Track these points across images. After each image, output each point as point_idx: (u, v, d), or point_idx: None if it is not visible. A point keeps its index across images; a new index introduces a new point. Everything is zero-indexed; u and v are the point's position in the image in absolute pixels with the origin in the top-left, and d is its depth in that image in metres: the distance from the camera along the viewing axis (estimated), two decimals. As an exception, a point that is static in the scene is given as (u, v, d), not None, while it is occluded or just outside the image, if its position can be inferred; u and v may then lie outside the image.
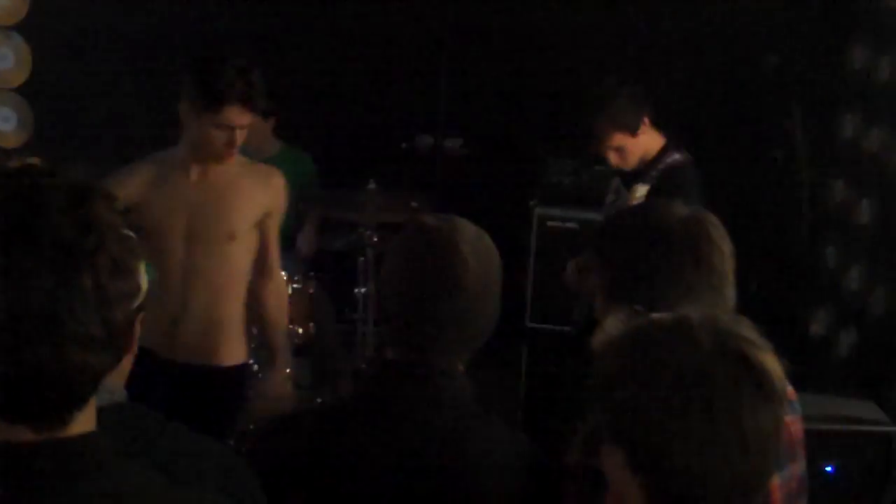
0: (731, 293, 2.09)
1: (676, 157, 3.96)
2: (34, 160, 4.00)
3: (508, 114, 5.73)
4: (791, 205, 4.88)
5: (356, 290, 5.01)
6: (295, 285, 4.58)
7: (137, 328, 1.42)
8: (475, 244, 2.04)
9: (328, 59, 5.88)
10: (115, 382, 1.73)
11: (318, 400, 5.09)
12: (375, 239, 4.84)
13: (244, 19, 5.95)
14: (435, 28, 5.68)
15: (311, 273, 4.77)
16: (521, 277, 5.08)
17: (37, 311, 1.25)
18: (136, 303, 1.36)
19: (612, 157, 3.98)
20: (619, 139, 3.92)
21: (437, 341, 1.98)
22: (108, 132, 5.96)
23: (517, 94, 5.71)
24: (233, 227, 3.43)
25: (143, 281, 1.39)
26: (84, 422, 1.35)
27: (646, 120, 3.94)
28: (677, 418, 1.46)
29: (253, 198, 3.45)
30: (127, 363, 1.63)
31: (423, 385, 1.98)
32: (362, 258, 4.94)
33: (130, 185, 3.38)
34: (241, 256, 3.49)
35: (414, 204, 4.97)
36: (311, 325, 4.64)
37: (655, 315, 1.57)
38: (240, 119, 3.27)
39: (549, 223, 5.04)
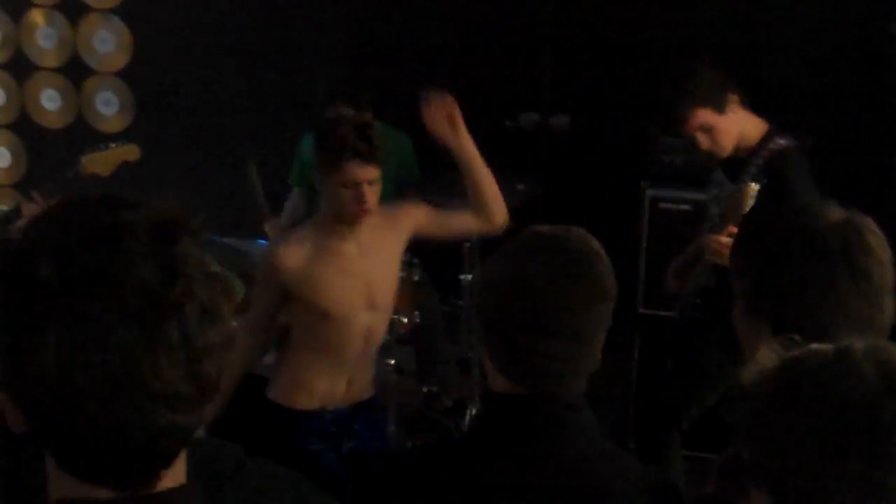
0: (890, 309, 1.85)
1: (781, 142, 3.68)
2: (132, 148, 3.91)
3: (617, 89, 5.49)
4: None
5: (461, 277, 4.88)
6: (399, 273, 4.44)
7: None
8: (602, 254, 1.86)
9: (427, 35, 5.72)
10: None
11: (424, 389, 4.99)
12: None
13: (341, 2, 5.82)
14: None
15: (415, 260, 4.63)
16: (632, 262, 4.87)
17: (118, 368, 1.11)
18: (228, 352, 1.21)
19: (701, 140, 3.72)
20: (704, 116, 3.67)
21: (564, 367, 1.81)
22: (207, 116, 5.91)
23: (626, 68, 5.46)
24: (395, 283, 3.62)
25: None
26: (173, 476, 1.22)
27: (734, 98, 3.69)
28: (835, 460, 1.29)
29: (397, 244, 3.55)
30: None
31: (548, 423, 1.80)
32: (467, 244, 4.79)
33: (294, 258, 3.38)
34: None
35: (521, 186, 4.80)
36: (416, 312, 4.51)
37: (814, 346, 1.38)
38: (363, 174, 3.24)
39: (662, 205, 4.81)
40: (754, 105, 3.80)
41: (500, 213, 3.62)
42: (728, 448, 2.00)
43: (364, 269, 3.43)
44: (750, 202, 3.37)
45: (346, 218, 3.33)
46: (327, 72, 5.29)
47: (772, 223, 2.05)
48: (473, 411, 4.76)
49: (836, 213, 1.92)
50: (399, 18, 5.71)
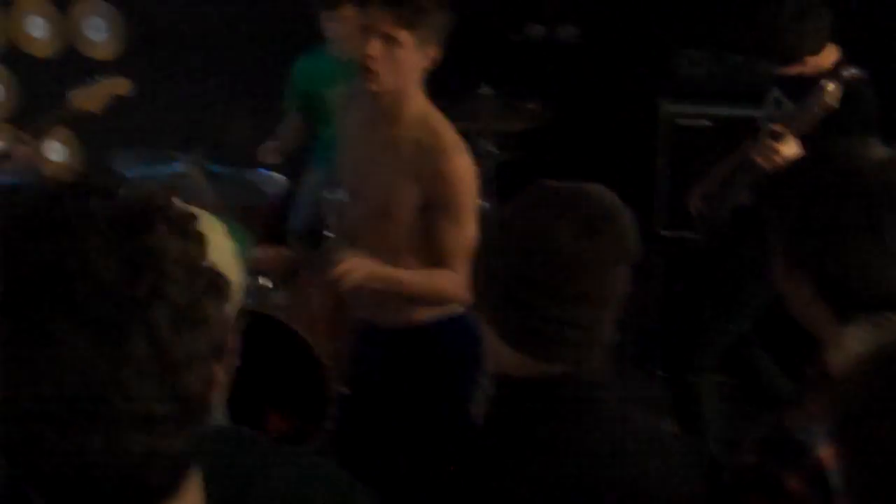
0: None
1: (853, 71, 3.47)
2: (122, 81, 3.69)
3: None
4: None
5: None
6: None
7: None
8: (624, 211, 1.69)
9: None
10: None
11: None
12: (494, 150, 4.51)
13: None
14: None
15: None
16: (649, 182, 4.71)
17: (75, 386, 0.92)
18: (219, 357, 1.02)
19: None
20: (808, 62, 3.53)
21: (584, 336, 1.65)
22: (200, 47, 5.68)
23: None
24: None
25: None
26: (184, 497, 1.05)
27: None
28: None
29: (409, 172, 2.99)
30: (222, 375, 1.35)
31: (573, 407, 1.65)
32: (481, 169, 4.62)
33: None
34: None
35: (531, 105, 4.62)
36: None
37: None
38: (378, 18, 2.80)
39: (679, 120, 4.62)
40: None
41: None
42: (766, 415, 1.87)
43: (360, 154, 3.00)
44: (827, 104, 3.23)
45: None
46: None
47: (808, 168, 1.91)
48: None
49: (878, 151, 1.77)
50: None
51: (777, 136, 3.29)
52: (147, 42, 5.74)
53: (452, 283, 2.83)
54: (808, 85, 3.48)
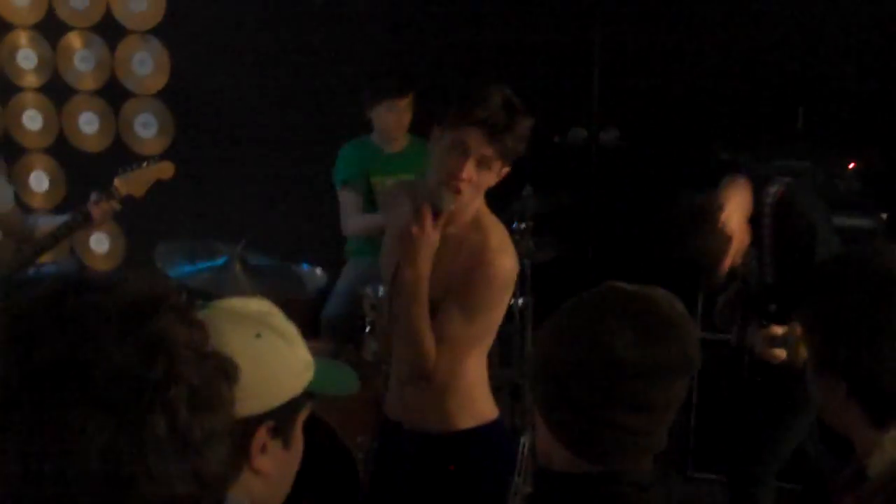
0: None
1: (772, 190, 3.53)
2: (166, 165, 3.72)
3: (668, 104, 5.31)
4: None
5: (512, 301, 4.70)
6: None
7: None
8: (689, 319, 1.69)
9: (474, 50, 5.56)
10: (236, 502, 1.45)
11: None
12: (533, 246, 4.53)
13: (385, 21, 5.67)
14: (584, 8, 5.31)
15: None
16: (689, 285, 4.67)
17: (98, 472, 0.93)
18: (231, 438, 1.04)
19: None
20: None
21: (640, 442, 1.63)
22: (246, 136, 5.79)
23: (677, 82, 5.28)
24: None
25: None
26: None
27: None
28: None
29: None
30: (257, 483, 1.35)
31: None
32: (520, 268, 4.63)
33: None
34: None
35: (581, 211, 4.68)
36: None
37: None
38: (478, 144, 2.81)
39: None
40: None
41: (414, 363, 2.91)
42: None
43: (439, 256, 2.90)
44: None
45: (439, 182, 2.85)
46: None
47: (834, 270, 1.89)
48: (524, 440, 4.59)
49: None
50: (445, 33, 5.56)
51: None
52: (193, 134, 5.85)
53: (430, 354, 2.84)
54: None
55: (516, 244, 4.52)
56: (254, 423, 1.42)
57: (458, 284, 2.86)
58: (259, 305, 1.64)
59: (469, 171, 2.80)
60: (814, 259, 3.42)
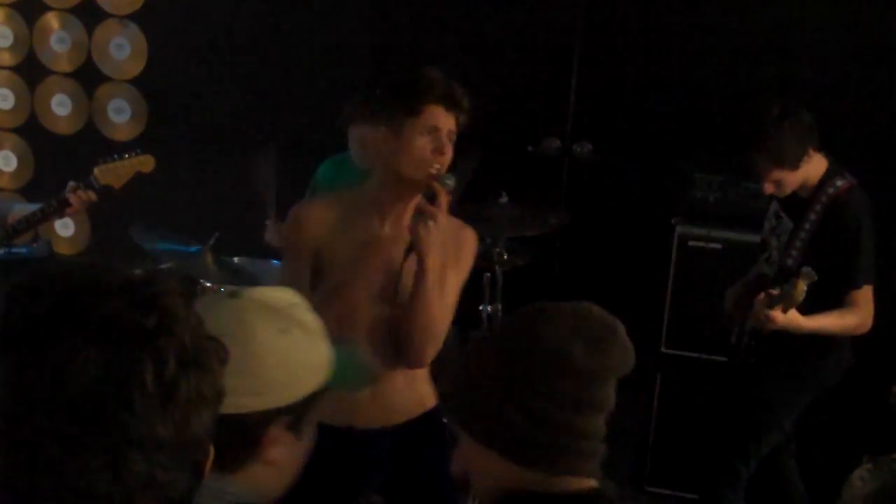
0: None
1: (839, 184, 3.66)
2: (147, 158, 3.70)
3: (643, 119, 5.33)
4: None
5: (480, 308, 4.73)
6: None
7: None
8: (622, 326, 1.76)
9: (449, 58, 5.56)
10: (242, 489, 1.45)
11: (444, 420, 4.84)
12: (504, 255, 4.55)
13: (362, 18, 5.66)
14: (564, 21, 5.33)
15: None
16: (657, 300, 4.71)
17: (82, 401, 0.96)
18: (217, 412, 1.06)
19: (768, 188, 3.70)
20: (779, 174, 3.63)
21: (589, 445, 1.68)
22: (220, 126, 5.76)
23: (653, 98, 5.31)
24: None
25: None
26: None
27: (810, 151, 3.62)
28: None
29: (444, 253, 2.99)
30: (265, 473, 1.34)
31: None
32: (488, 274, 4.65)
33: (312, 229, 3.01)
34: None
35: (553, 221, 4.68)
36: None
37: None
38: (445, 121, 2.92)
39: (691, 243, 4.64)
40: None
41: (424, 351, 2.99)
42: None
43: (396, 255, 2.96)
44: (802, 297, 3.38)
45: (419, 171, 2.91)
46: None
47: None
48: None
49: None
50: (420, 40, 5.55)
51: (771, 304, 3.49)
52: (166, 121, 5.81)
53: (443, 338, 3.00)
54: (803, 207, 3.66)
55: (487, 251, 4.57)
56: (271, 416, 1.42)
57: (451, 251, 2.99)
58: (286, 296, 1.63)
59: (448, 147, 2.93)
60: (849, 265, 3.56)
